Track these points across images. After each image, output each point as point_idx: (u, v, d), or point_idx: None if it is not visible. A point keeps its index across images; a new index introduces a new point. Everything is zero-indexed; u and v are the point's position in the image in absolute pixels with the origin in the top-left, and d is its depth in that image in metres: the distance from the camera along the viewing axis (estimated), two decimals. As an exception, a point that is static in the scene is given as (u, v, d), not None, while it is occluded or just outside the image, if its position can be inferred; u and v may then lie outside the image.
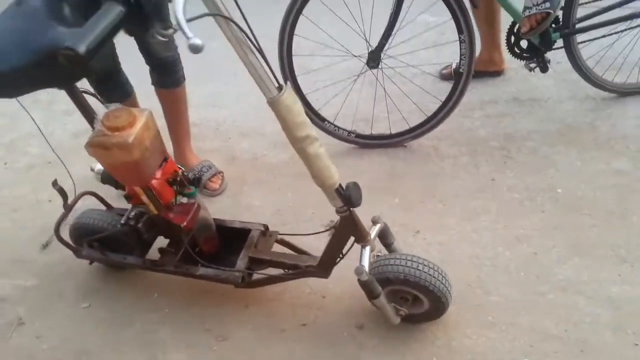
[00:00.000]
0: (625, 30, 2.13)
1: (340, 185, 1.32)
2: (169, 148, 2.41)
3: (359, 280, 1.41)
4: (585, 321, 1.55)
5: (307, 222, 2.03)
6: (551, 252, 1.75)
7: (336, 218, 1.95)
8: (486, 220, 1.90)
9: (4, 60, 1.18)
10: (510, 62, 2.65)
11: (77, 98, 1.40)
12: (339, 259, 1.52)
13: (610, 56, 2.33)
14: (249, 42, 1.12)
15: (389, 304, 1.49)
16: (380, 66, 2.10)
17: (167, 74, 2.03)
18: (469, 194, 2.01)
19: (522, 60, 2.17)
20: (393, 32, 2.01)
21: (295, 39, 2.10)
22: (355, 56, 2.21)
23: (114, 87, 2.06)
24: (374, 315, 1.66)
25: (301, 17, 2.03)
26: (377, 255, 1.56)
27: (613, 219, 1.82)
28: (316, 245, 1.75)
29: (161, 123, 2.27)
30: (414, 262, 1.44)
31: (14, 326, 1.85)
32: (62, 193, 1.73)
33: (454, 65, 2.64)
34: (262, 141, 2.47)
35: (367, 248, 1.43)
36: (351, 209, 1.37)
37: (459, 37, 2.00)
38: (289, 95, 1.16)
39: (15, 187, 2.50)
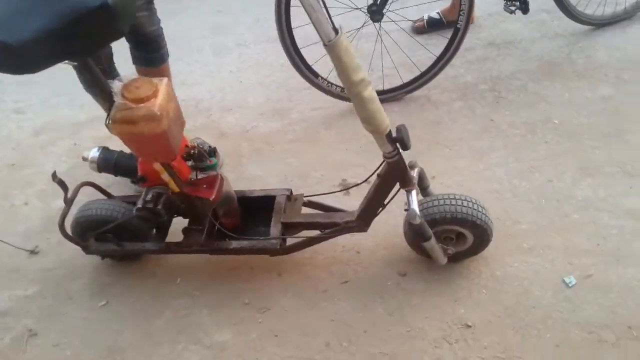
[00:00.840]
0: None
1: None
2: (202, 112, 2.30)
3: (410, 224, 1.40)
4: (613, 233, 1.64)
5: (318, 185, 1.99)
6: (564, 177, 1.83)
7: (348, 176, 1.96)
8: (496, 157, 1.95)
9: (24, 28, 1.03)
10: (478, 11, 2.73)
11: (92, 71, 1.26)
12: (380, 209, 1.50)
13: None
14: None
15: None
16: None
17: (152, 50, 1.88)
18: (472, 135, 2.06)
19: (510, 3, 2.22)
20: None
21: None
22: (358, 8, 2.13)
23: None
24: (414, 261, 1.67)
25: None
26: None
27: (611, 140, 1.93)
28: (339, 205, 1.72)
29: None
30: (457, 199, 1.45)
31: (26, 338, 1.69)
32: (63, 185, 1.58)
33: (425, 17, 2.68)
34: (248, 113, 2.39)
35: (414, 192, 1.40)
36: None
37: None
38: (344, 38, 1.11)
39: (-19, 195, 2.26)
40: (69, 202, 1.61)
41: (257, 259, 1.75)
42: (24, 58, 1.05)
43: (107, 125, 1.26)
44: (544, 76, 2.27)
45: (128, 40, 1.85)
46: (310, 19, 1.07)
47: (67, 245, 1.91)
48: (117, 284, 1.79)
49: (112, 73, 1.90)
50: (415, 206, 1.38)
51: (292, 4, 2.00)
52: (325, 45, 1.10)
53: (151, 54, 1.89)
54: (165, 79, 1.30)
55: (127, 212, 1.65)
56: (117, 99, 1.23)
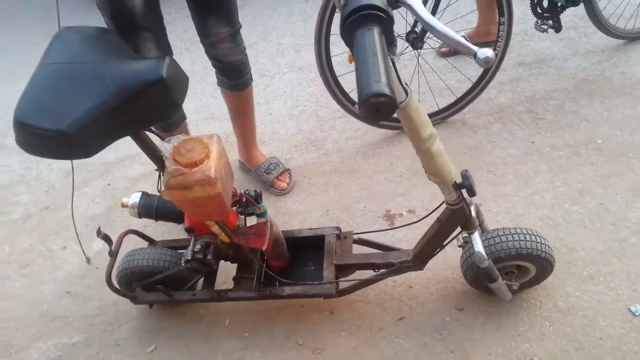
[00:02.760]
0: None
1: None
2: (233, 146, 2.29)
3: (479, 268, 1.34)
4: (675, 256, 1.59)
5: (362, 217, 1.96)
6: (616, 199, 1.78)
7: (391, 207, 1.93)
8: (542, 181, 1.91)
9: (77, 113, 1.01)
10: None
11: (142, 139, 1.22)
12: (438, 249, 1.45)
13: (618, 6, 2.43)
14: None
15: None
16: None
17: (234, 77, 1.89)
18: (515, 159, 2.02)
19: (541, 21, 2.21)
20: (436, 13, 1.99)
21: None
22: (399, 35, 2.12)
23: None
24: (470, 294, 1.62)
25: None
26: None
27: (659, 158, 1.89)
28: (388, 241, 1.69)
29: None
30: (520, 234, 1.40)
31: (75, 389, 1.65)
32: (107, 240, 1.56)
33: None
34: (282, 146, 2.37)
35: (476, 234, 1.35)
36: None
37: (499, 20, 2.01)
38: (414, 98, 1.07)
39: (17, 241, 2.24)
40: (114, 255, 1.58)
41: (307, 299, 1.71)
42: (78, 143, 1.02)
43: (159, 191, 1.22)
44: (580, 95, 2.23)
45: (213, 65, 1.88)
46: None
47: (108, 290, 1.90)
48: (165, 328, 1.75)
49: (165, 50, 1.78)
50: (481, 249, 1.32)
51: (332, 32, 1.98)
52: (396, 107, 1.05)
53: (234, 80, 1.91)
54: (215, 136, 1.27)
55: (175, 262, 1.63)
56: (169, 164, 1.19)
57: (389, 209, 1.96)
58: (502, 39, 2.05)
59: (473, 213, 1.38)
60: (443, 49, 2.68)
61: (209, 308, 1.78)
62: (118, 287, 1.63)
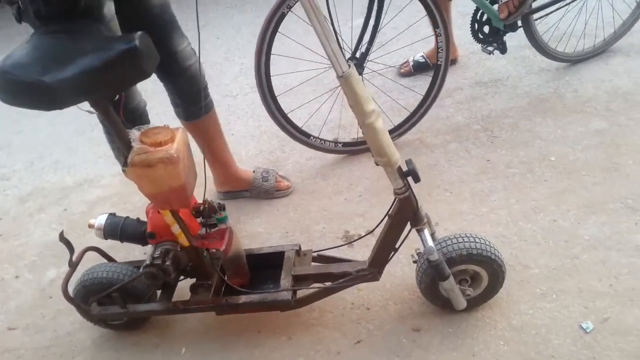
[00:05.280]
0: (571, 3, 2.31)
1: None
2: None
3: (429, 261, 1.38)
4: (624, 272, 1.61)
5: (320, 239, 1.95)
6: (569, 216, 1.82)
7: (350, 228, 1.94)
8: (497, 199, 1.94)
9: (58, 69, 1.12)
10: (460, 50, 2.78)
11: (112, 119, 1.29)
12: (392, 253, 1.47)
13: (559, 29, 2.50)
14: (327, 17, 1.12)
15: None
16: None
17: (196, 101, 1.88)
18: (470, 178, 2.05)
19: (485, 45, 2.26)
20: (376, 37, 2.01)
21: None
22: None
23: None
24: (427, 315, 1.62)
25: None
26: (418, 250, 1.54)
27: (610, 174, 1.93)
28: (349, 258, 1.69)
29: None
30: (469, 237, 1.45)
31: None
32: (69, 246, 1.55)
33: (411, 62, 2.71)
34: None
35: (426, 230, 1.39)
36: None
37: (435, 32, 2.05)
38: (355, 70, 1.16)
39: (-33, 270, 2.17)
40: (73, 265, 1.57)
41: (264, 321, 1.69)
42: (56, 95, 1.12)
43: (124, 171, 1.29)
44: (534, 113, 2.29)
45: (172, 97, 1.90)
46: (325, 50, 1.13)
47: (63, 320, 1.85)
48: (120, 359, 1.70)
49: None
50: (431, 242, 1.36)
51: (272, 74, 2.02)
52: (339, 77, 1.15)
53: (195, 105, 1.90)
54: (181, 129, 1.35)
55: (134, 274, 1.61)
56: (135, 144, 1.27)
57: (348, 230, 1.96)
58: (442, 50, 2.09)
59: (422, 212, 1.40)
60: (403, 70, 2.71)
61: (166, 336, 1.74)
62: (73, 298, 1.59)
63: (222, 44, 3.50)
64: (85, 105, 1.25)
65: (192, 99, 1.87)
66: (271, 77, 2.02)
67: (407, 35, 2.74)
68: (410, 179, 1.31)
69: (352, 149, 2.27)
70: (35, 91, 1.13)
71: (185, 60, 1.77)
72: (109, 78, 1.18)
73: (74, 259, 1.56)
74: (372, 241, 1.70)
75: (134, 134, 1.30)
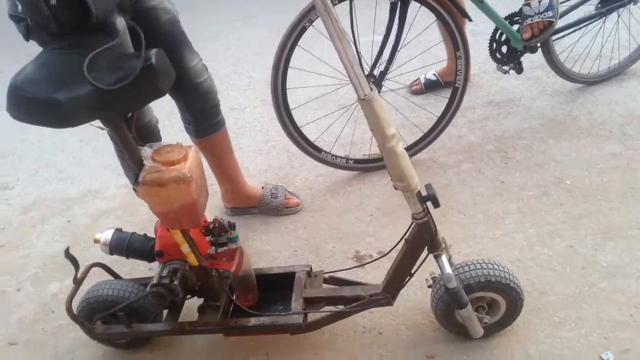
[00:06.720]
0: (588, 25, 2.30)
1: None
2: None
3: (447, 289, 1.33)
4: (644, 301, 1.58)
5: (330, 258, 1.91)
6: (586, 242, 1.78)
7: (361, 248, 1.90)
8: (512, 222, 1.90)
9: (71, 86, 1.09)
10: (473, 69, 2.76)
11: (124, 136, 1.26)
12: (408, 278, 1.43)
13: (574, 51, 2.49)
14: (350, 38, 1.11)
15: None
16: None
17: (207, 118, 1.84)
18: (484, 199, 2.01)
19: (501, 65, 2.24)
20: (395, 56, 1.99)
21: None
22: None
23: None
24: (441, 341, 1.57)
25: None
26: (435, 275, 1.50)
27: (627, 199, 1.90)
28: (357, 279, 1.64)
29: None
30: (487, 263, 1.40)
31: None
32: (74, 262, 1.51)
33: (422, 80, 2.68)
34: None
35: (444, 256, 1.35)
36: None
37: (455, 54, 2.03)
38: (377, 94, 1.13)
39: (-33, 281, 2.12)
40: (78, 282, 1.53)
41: (272, 344, 1.64)
42: (67, 113, 1.10)
43: (134, 189, 1.26)
44: (548, 135, 2.26)
45: (183, 113, 1.86)
46: (347, 72, 1.11)
47: (65, 336, 1.80)
48: (122, 380, 1.66)
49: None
50: (449, 269, 1.32)
51: (288, 86, 1.99)
52: (361, 100, 1.12)
53: (209, 121, 1.86)
54: (194, 147, 1.32)
55: (140, 292, 1.57)
56: (147, 162, 1.24)
57: (359, 250, 1.91)
58: (460, 73, 2.07)
59: (440, 236, 1.37)
60: (414, 87, 2.69)
61: (170, 356, 1.68)
62: (77, 317, 1.54)
63: (232, 57, 3.48)
64: (96, 121, 1.21)
65: (203, 117, 1.83)
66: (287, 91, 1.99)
67: (417, 52, 2.73)
68: (429, 203, 1.27)
69: (363, 166, 2.24)
70: (48, 109, 1.10)
71: (196, 77, 1.74)
72: (123, 96, 1.15)
73: (78, 275, 1.51)
74: (384, 262, 1.67)
75: (146, 151, 1.27)
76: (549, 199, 1.96)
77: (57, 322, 1.86)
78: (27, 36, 1.33)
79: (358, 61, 1.11)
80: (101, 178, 2.59)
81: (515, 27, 2.16)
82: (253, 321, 1.51)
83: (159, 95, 1.19)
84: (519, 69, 2.26)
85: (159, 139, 1.83)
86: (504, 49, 2.20)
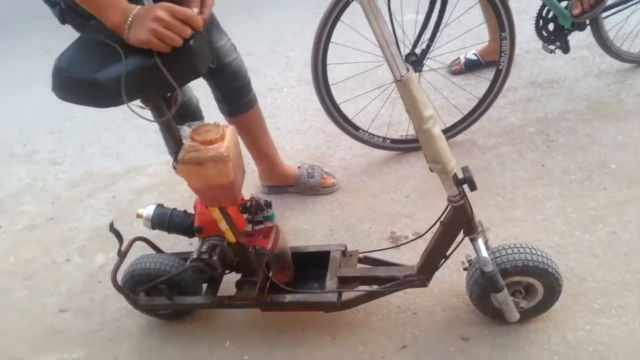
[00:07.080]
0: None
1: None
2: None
3: (483, 272, 1.33)
4: (690, 290, 1.54)
5: (366, 239, 1.93)
6: (630, 228, 1.73)
7: (397, 229, 1.90)
8: (552, 206, 1.86)
9: (112, 67, 1.11)
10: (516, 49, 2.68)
11: (163, 114, 1.28)
12: (443, 260, 1.43)
13: (623, 30, 2.39)
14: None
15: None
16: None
17: (238, 97, 1.87)
18: (524, 182, 1.98)
19: (547, 43, 2.17)
20: (438, 34, 1.96)
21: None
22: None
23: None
24: (476, 324, 1.57)
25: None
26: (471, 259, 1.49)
27: (675, 185, 1.84)
28: (392, 260, 1.65)
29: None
30: (525, 248, 1.39)
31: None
32: (119, 236, 1.57)
33: (462, 60, 2.63)
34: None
35: (480, 239, 1.34)
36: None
37: (501, 35, 1.99)
38: (414, 74, 1.12)
39: (21, 251, 2.24)
40: (122, 255, 1.59)
41: (308, 319, 1.68)
42: (108, 93, 1.12)
43: (174, 167, 1.29)
44: (593, 117, 2.19)
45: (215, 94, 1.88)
46: (384, 53, 1.09)
47: (111, 306, 1.89)
48: (164, 347, 1.73)
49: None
50: (485, 253, 1.32)
51: (327, 62, 1.98)
52: (398, 81, 1.11)
53: (241, 100, 1.89)
54: (231, 127, 1.34)
55: (181, 266, 1.63)
56: (186, 142, 1.27)
57: (395, 231, 1.92)
58: (505, 54, 2.02)
59: (476, 219, 1.36)
60: (454, 67, 2.65)
61: (210, 328, 1.75)
62: (122, 288, 1.62)
63: (271, 36, 3.49)
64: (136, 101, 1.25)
65: (234, 96, 1.86)
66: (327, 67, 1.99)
67: (458, 32, 2.67)
68: (465, 186, 1.26)
69: (401, 146, 2.23)
70: (89, 89, 1.13)
71: (225, 57, 1.75)
72: (160, 77, 1.15)
73: (122, 248, 1.58)
74: (419, 244, 1.67)
75: (185, 130, 1.29)
76: (592, 183, 1.91)
77: (103, 292, 1.95)
78: (62, 20, 1.36)
79: (394, 41, 1.09)
80: (144, 155, 2.67)
81: (564, 3, 2.08)
82: (289, 298, 1.55)
83: (196, 76, 1.21)
84: (566, 48, 2.18)
85: (200, 118, 1.86)
86: (551, 26, 2.13)
